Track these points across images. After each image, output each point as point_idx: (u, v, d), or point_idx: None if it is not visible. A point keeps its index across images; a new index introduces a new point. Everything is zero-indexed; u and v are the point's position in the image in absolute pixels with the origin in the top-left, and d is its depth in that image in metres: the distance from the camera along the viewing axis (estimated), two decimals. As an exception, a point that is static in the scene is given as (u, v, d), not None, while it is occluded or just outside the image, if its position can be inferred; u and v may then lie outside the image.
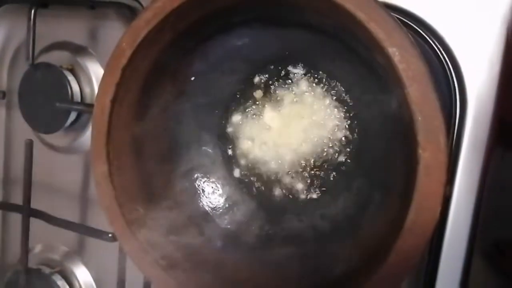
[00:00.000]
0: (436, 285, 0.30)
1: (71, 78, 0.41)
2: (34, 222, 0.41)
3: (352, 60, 0.27)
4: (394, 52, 0.22)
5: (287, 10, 0.27)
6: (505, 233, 0.41)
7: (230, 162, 0.33)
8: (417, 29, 0.30)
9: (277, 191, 0.32)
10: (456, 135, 0.29)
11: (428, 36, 0.30)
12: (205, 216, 0.31)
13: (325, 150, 0.30)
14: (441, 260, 0.29)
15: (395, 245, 0.22)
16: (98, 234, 0.39)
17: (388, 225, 0.24)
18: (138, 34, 0.26)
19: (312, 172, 0.31)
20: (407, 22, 0.30)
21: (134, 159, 0.29)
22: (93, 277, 0.44)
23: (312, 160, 0.31)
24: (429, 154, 0.21)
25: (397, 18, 0.29)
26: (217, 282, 0.28)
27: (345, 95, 0.30)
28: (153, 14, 0.26)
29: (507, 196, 0.42)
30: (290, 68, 0.31)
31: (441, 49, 0.30)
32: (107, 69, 0.27)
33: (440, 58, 0.30)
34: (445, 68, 0.30)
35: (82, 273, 0.44)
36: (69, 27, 0.42)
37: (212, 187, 0.32)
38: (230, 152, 0.33)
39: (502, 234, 0.43)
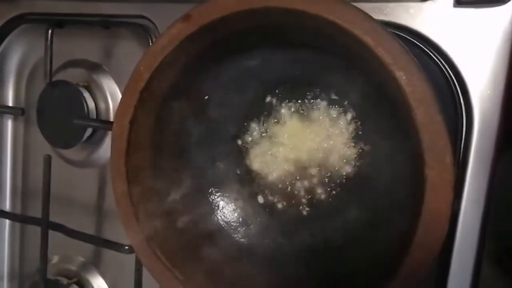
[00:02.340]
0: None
1: (86, 95, 0.42)
2: (52, 234, 0.42)
3: (362, 81, 0.28)
4: (401, 76, 0.22)
5: (297, 33, 0.28)
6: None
7: (243, 177, 0.34)
8: (422, 47, 0.31)
9: (289, 206, 0.33)
10: (463, 149, 0.30)
11: (433, 53, 0.31)
12: (220, 230, 0.33)
13: (336, 166, 0.31)
14: (451, 272, 0.30)
15: (404, 260, 0.23)
16: (115, 246, 0.40)
17: (398, 240, 0.25)
18: (154, 58, 0.27)
19: (323, 187, 0.32)
20: (412, 40, 0.31)
21: (152, 177, 0.30)
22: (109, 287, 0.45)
23: (323, 175, 0.32)
24: (436, 173, 0.22)
25: (403, 36, 0.31)
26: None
27: (355, 113, 0.31)
28: (168, 40, 0.27)
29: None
30: (301, 87, 0.32)
31: (446, 66, 0.30)
32: (126, 92, 0.28)
33: (446, 74, 0.30)
34: (451, 84, 0.30)
35: (99, 284, 0.45)
36: (84, 46, 0.43)
37: (226, 202, 0.33)
38: (243, 167, 0.34)
39: (511, 240, 0.44)
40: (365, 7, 0.30)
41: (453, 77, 0.30)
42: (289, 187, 0.33)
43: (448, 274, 0.30)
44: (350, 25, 0.23)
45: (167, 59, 0.27)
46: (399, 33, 0.31)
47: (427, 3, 0.30)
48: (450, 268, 0.30)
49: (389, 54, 0.23)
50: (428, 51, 0.31)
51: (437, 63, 0.31)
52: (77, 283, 0.45)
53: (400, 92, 0.23)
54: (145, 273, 0.38)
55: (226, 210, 0.33)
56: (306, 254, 0.31)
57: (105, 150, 0.44)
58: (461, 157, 0.30)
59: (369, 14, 0.24)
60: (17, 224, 0.49)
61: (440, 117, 0.22)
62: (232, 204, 0.34)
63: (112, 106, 0.43)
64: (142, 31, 0.39)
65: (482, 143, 0.30)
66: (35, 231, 0.44)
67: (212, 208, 0.33)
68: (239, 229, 0.33)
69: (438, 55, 0.31)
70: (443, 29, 0.30)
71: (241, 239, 0.33)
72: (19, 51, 0.47)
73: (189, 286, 0.28)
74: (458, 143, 0.30)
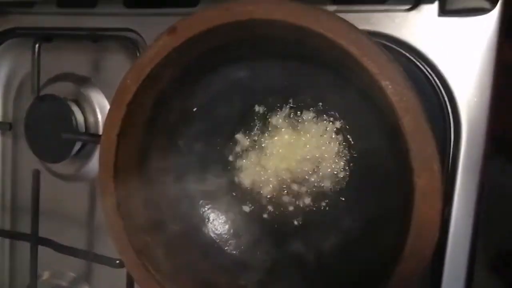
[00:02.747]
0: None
1: (75, 108, 0.42)
2: (42, 249, 0.42)
3: (350, 91, 0.28)
4: (387, 85, 0.23)
5: (284, 44, 0.28)
6: (509, 245, 0.42)
7: (233, 188, 0.34)
8: (408, 56, 0.31)
9: (280, 217, 0.33)
10: (452, 157, 0.30)
11: (419, 62, 0.31)
12: (211, 243, 0.32)
13: (326, 176, 0.31)
14: (443, 279, 0.30)
15: (395, 269, 0.23)
16: (106, 260, 0.39)
17: (390, 248, 0.25)
18: (142, 70, 0.27)
19: (314, 197, 0.32)
20: (398, 49, 0.31)
21: (141, 190, 0.30)
22: (101, 303, 0.44)
23: (314, 185, 0.32)
24: (424, 181, 0.22)
25: (389, 46, 0.31)
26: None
27: (344, 123, 0.31)
28: (155, 52, 0.27)
29: (506, 207, 0.42)
30: (290, 98, 0.32)
31: (432, 74, 0.31)
32: (113, 105, 0.28)
33: (432, 83, 0.31)
34: (438, 92, 0.31)
35: (90, 299, 0.45)
36: (72, 60, 0.43)
37: (217, 214, 0.33)
38: (233, 179, 0.34)
39: (506, 246, 0.44)
40: (351, 17, 0.30)
41: (440, 86, 0.31)
42: (280, 198, 0.33)
43: (441, 281, 0.30)
44: (335, 36, 0.24)
45: (154, 72, 0.27)
46: (385, 42, 0.31)
47: (412, 12, 0.31)
48: (443, 275, 0.30)
49: (375, 63, 0.23)
50: (415, 60, 0.31)
51: (424, 72, 0.31)
52: (68, 299, 0.44)
53: (387, 101, 0.23)
54: (137, 287, 0.38)
55: (217, 222, 0.33)
56: (298, 264, 0.31)
57: (94, 163, 0.43)
58: (450, 164, 0.30)
59: (355, 24, 0.24)
60: (7, 240, 0.49)
61: (426, 125, 0.22)
62: (223, 216, 0.33)
63: (101, 120, 0.42)
64: (130, 44, 0.39)
65: (470, 150, 0.30)
66: (24, 247, 0.43)
67: (202, 221, 0.33)
68: (230, 241, 0.33)
69: (425, 63, 0.31)
70: (429, 38, 0.31)
71: (232, 251, 0.32)
72: (7, 65, 0.47)
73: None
74: (447, 151, 0.30)
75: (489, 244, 0.44)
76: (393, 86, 0.23)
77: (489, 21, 0.29)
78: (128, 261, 0.29)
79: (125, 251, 0.29)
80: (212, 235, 0.33)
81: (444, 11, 0.30)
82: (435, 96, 0.31)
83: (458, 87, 0.30)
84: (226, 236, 0.33)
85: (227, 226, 0.33)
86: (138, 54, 0.38)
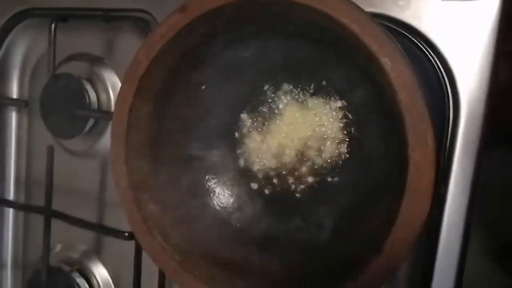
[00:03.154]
0: (433, 279, 0.32)
1: (88, 87, 0.44)
2: (54, 223, 0.43)
3: (353, 70, 0.30)
4: (386, 62, 0.24)
5: (290, 23, 0.29)
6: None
7: (238, 164, 0.35)
8: (411, 38, 0.32)
9: (282, 191, 0.34)
10: (450, 137, 0.31)
11: (422, 45, 0.32)
12: (216, 215, 0.34)
13: (328, 154, 0.33)
14: (438, 254, 0.31)
15: (388, 238, 0.24)
16: (115, 233, 0.41)
17: (384, 222, 0.26)
18: (153, 47, 0.28)
19: (316, 172, 0.33)
20: (402, 32, 0.32)
21: (150, 162, 0.31)
22: (110, 274, 0.46)
23: (315, 163, 0.33)
24: (418, 153, 0.23)
25: (393, 28, 0.32)
26: (228, 275, 0.30)
27: (346, 102, 0.32)
28: (167, 29, 0.28)
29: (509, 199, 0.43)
30: (295, 76, 0.33)
31: (434, 57, 0.31)
32: (125, 79, 0.29)
33: (434, 65, 0.32)
34: (439, 74, 0.32)
35: (100, 271, 0.46)
36: (87, 40, 0.45)
37: (222, 188, 0.35)
38: (239, 154, 0.35)
39: (509, 238, 0.45)
40: (356, -1, 0.32)
41: (441, 68, 0.32)
42: (283, 175, 0.34)
43: (436, 255, 0.31)
44: (338, 14, 0.25)
45: (165, 48, 0.29)
46: (389, 24, 0.32)
47: (416, -5, 0.32)
48: (437, 249, 0.31)
49: (375, 41, 0.24)
50: (417, 42, 0.32)
51: (426, 54, 0.32)
52: (78, 270, 0.46)
53: (386, 78, 0.24)
54: (144, 259, 0.40)
55: (222, 196, 0.35)
56: (299, 236, 0.32)
57: (106, 141, 0.45)
58: (448, 144, 0.31)
59: (359, 6, 0.25)
60: (21, 214, 0.50)
61: (422, 101, 0.23)
62: (228, 190, 0.35)
63: (113, 98, 0.44)
64: (143, 24, 0.40)
65: (468, 131, 0.31)
66: (38, 220, 0.45)
67: (208, 194, 0.34)
68: (234, 214, 0.34)
69: (427, 46, 0.32)
70: (432, 20, 0.31)
71: (236, 224, 0.34)
72: (24, 45, 0.49)
73: (185, 266, 0.29)
74: (445, 131, 0.31)
75: (491, 235, 0.45)
76: (392, 63, 0.24)
77: (492, 5, 0.30)
78: (137, 229, 0.31)
79: (134, 219, 0.30)
80: (217, 208, 0.34)
81: (447, -6, 0.31)
82: (436, 78, 0.32)
83: (459, 69, 0.31)
84: (230, 209, 0.34)
85: (231, 200, 0.34)
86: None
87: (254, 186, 0.35)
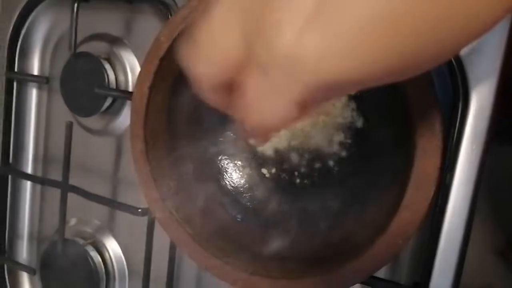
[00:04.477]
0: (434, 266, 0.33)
1: (107, 66, 0.45)
2: (70, 197, 0.45)
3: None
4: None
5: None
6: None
7: (250, 146, 0.36)
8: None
9: (292, 174, 0.35)
10: (458, 125, 0.32)
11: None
12: (227, 193, 0.35)
13: (337, 140, 0.34)
14: (440, 241, 0.32)
15: (394, 218, 0.25)
16: (129, 209, 0.42)
17: (390, 204, 0.27)
18: (175, 29, 0.29)
19: (323, 157, 0.34)
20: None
21: (168, 139, 0.33)
22: (122, 249, 0.47)
23: (324, 149, 0.34)
24: (426, 139, 0.24)
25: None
26: (237, 250, 0.31)
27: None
28: (188, 11, 0.29)
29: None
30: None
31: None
32: (147, 59, 0.31)
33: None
34: (449, 64, 0.32)
35: (112, 245, 0.48)
36: (107, 20, 0.46)
37: (234, 169, 0.36)
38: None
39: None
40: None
41: (452, 60, 0.32)
42: (292, 159, 0.35)
43: (438, 242, 0.32)
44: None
45: (187, 30, 0.29)
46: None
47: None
48: (440, 235, 0.32)
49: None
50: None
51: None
52: (92, 244, 0.48)
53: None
54: (155, 236, 0.41)
55: (234, 176, 0.36)
56: (307, 217, 0.33)
57: (122, 120, 0.46)
58: (455, 133, 0.32)
59: None
60: (38, 187, 0.52)
61: (431, 90, 0.24)
62: (240, 171, 0.36)
63: (131, 78, 0.45)
64: (162, 7, 0.41)
65: (476, 121, 0.32)
66: (54, 194, 0.46)
67: (221, 173, 0.36)
68: (245, 194, 0.35)
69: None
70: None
71: (246, 203, 0.35)
72: (46, 23, 0.50)
73: (197, 239, 0.31)
74: (454, 119, 0.32)
75: (496, 230, 0.45)
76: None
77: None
78: (152, 203, 0.32)
79: (150, 194, 0.32)
80: (229, 187, 0.35)
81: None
82: (446, 67, 0.32)
83: (470, 60, 0.31)
84: (241, 189, 0.35)
85: (243, 181, 0.36)
86: (169, 17, 0.40)
87: (265, 168, 0.36)
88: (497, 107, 0.31)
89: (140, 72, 0.31)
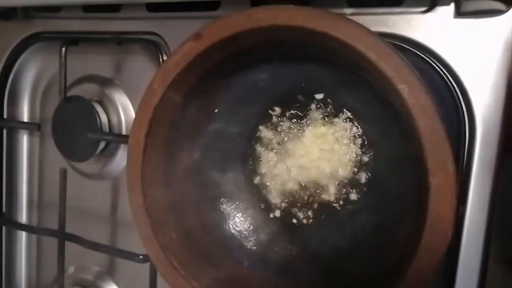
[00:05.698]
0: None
1: (99, 109, 0.44)
2: (68, 244, 0.43)
3: (368, 94, 0.29)
4: (403, 89, 0.24)
5: (303, 48, 0.29)
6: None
7: (253, 187, 0.35)
8: (424, 57, 0.32)
9: (298, 214, 0.34)
10: (467, 156, 0.31)
11: (435, 63, 0.32)
12: (232, 239, 0.34)
13: (343, 177, 0.32)
14: (457, 276, 0.31)
15: (411, 264, 0.24)
16: (130, 255, 0.41)
17: (405, 245, 0.26)
18: (168, 75, 0.28)
19: (332, 196, 0.33)
20: (414, 51, 0.32)
21: (166, 188, 0.31)
22: (124, 296, 0.46)
23: (332, 184, 0.33)
24: (439, 180, 0.23)
25: (405, 47, 0.32)
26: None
27: (361, 123, 0.32)
28: (181, 57, 0.28)
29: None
30: (309, 100, 0.33)
31: (448, 75, 0.31)
32: (141, 106, 0.29)
33: (448, 84, 0.31)
34: (453, 93, 0.31)
35: (114, 293, 0.46)
36: (97, 62, 0.45)
37: (237, 211, 0.34)
38: (252, 177, 0.35)
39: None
40: (368, 19, 0.31)
41: (455, 86, 0.31)
42: (298, 196, 0.34)
43: (455, 277, 0.31)
44: (354, 41, 0.25)
45: (180, 75, 0.29)
46: (401, 44, 0.32)
47: (428, 14, 0.32)
48: (457, 271, 0.31)
49: (391, 67, 0.24)
50: (431, 61, 0.32)
51: (439, 73, 0.32)
52: (93, 292, 0.46)
53: (403, 104, 0.24)
54: (159, 282, 0.39)
55: (237, 219, 0.34)
56: (316, 260, 0.32)
57: (118, 162, 0.45)
58: (464, 164, 0.31)
59: (372, 26, 0.25)
60: (34, 236, 0.50)
61: (441, 126, 0.23)
62: (243, 213, 0.35)
63: (124, 120, 0.44)
64: (153, 47, 0.40)
65: (485, 150, 0.31)
66: (51, 243, 0.45)
67: (223, 218, 0.34)
68: (250, 237, 0.34)
69: (440, 65, 0.32)
70: (445, 39, 0.31)
71: (252, 247, 0.34)
72: (34, 68, 0.49)
73: (203, 292, 0.29)
74: (462, 151, 0.31)
75: (503, 237, 0.44)
76: (409, 89, 0.23)
77: (505, 22, 0.30)
78: (154, 256, 0.31)
79: (152, 246, 0.30)
80: (233, 231, 0.34)
81: (460, 13, 0.30)
82: (450, 97, 0.31)
83: (473, 88, 0.31)
84: (246, 232, 0.34)
85: (247, 223, 0.34)
86: (160, 57, 0.39)
87: (269, 210, 0.35)
88: (506, 133, 0.30)
89: (135, 120, 0.30)
